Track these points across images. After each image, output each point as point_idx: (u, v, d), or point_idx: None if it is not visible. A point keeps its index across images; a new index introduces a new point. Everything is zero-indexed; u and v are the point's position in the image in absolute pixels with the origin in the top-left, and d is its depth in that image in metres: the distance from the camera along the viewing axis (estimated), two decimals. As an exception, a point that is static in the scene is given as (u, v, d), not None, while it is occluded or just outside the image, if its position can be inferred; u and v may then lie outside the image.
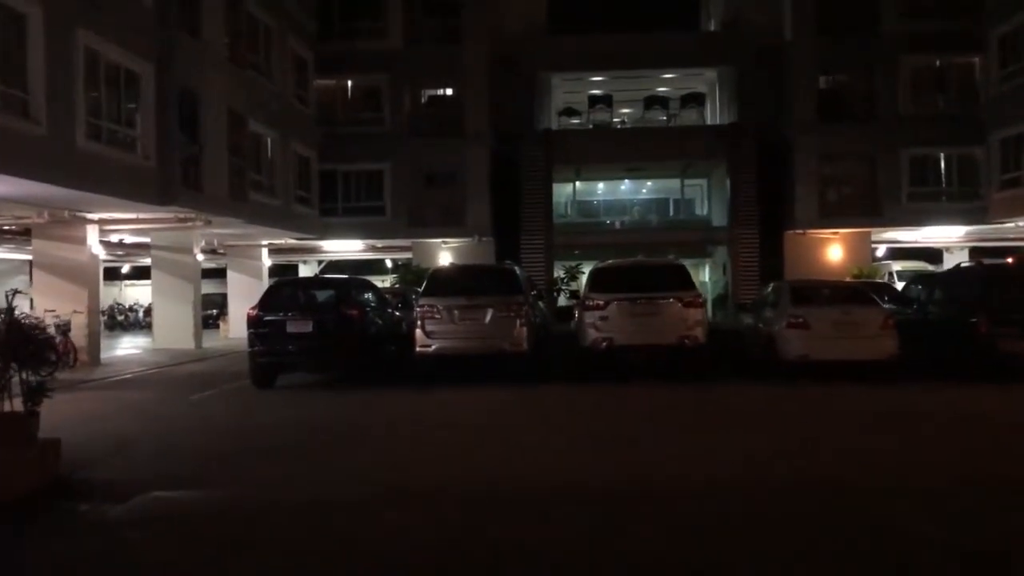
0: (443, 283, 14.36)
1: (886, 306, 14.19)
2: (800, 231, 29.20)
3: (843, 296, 14.62)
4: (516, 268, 15.37)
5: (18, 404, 7.85)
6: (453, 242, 29.71)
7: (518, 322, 13.48)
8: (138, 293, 40.05)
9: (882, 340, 13.24)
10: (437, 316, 13.67)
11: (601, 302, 13.61)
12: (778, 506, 6.55)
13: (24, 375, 7.92)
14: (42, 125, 13.43)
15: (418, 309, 13.94)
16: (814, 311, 13.66)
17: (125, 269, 41.22)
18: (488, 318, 13.54)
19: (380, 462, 8.42)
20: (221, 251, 28.93)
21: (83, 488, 7.71)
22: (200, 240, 24.36)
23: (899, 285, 20.59)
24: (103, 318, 36.53)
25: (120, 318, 37.01)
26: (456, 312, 13.64)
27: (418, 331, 13.81)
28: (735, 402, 12.04)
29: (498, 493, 7.09)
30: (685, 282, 13.94)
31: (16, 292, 8.25)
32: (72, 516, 6.85)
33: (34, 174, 13.28)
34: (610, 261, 14.95)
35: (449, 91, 30.77)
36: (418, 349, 13.83)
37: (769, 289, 16.15)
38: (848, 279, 24.45)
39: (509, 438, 9.50)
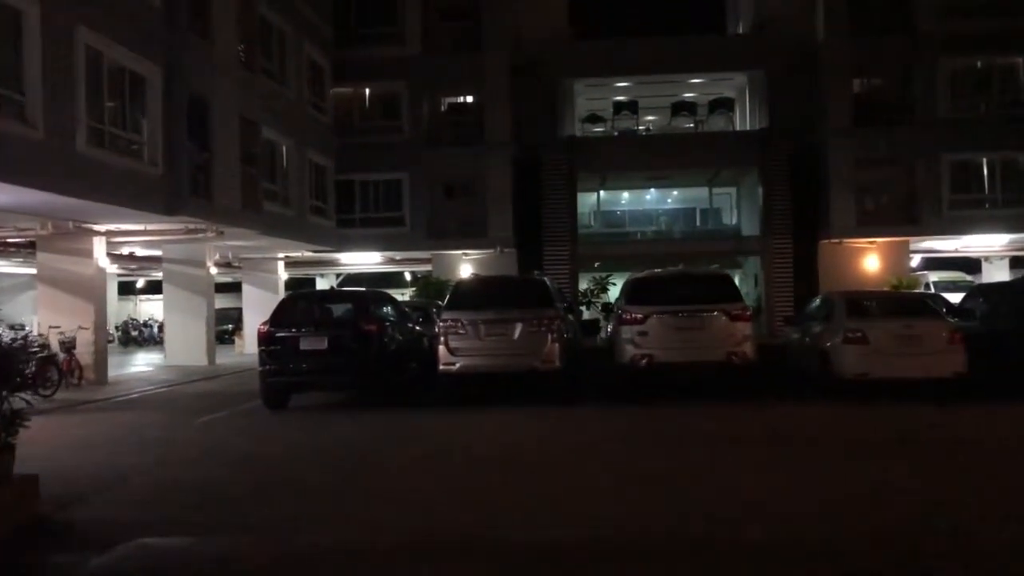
0: (468, 296, 13.33)
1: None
2: (835, 240, 27.99)
3: (902, 308, 13.47)
4: (546, 279, 14.33)
5: None
6: (474, 254, 28.69)
7: (549, 337, 12.42)
8: (153, 308, 39.25)
9: (949, 356, 12.08)
10: (462, 331, 12.64)
11: (640, 315, 12.52)
12: None
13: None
14: (39, 129, 12.55)
15: (441, 324, 12.90)
16: (873, 325, 12.51)
17: (140, 284, 40.55)
18: (517, 333, 12.49)
19: (401, 501, 7.36)
20: (236, 264, 28.08)
21: (63, 532, 6.74)
22: (214, 253, 23.54)
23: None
24: (117, 333, 36.09)
25: (134, 334, 36.23)
26: (482, 327, 12.60)
27: (441, 347, 12.78)
28: (799, 427, 10.78)
29: (538, 545, 6.01)
30: (732, 293, 12.86)
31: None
32: (42, 570, 5.86)
33: (30, 181, 12.39)
34: (649, 271, 13.84)
35: (469, 99, 29.84)
36: (441, 367, 12.79)
37: (818, 301, 15.01)
38: (885, 290, 23.25)
39: (546, 474, 8.41)
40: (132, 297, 42.10)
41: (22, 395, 7.07)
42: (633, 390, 13.10)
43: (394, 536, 6.30)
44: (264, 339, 13.29)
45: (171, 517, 7.01)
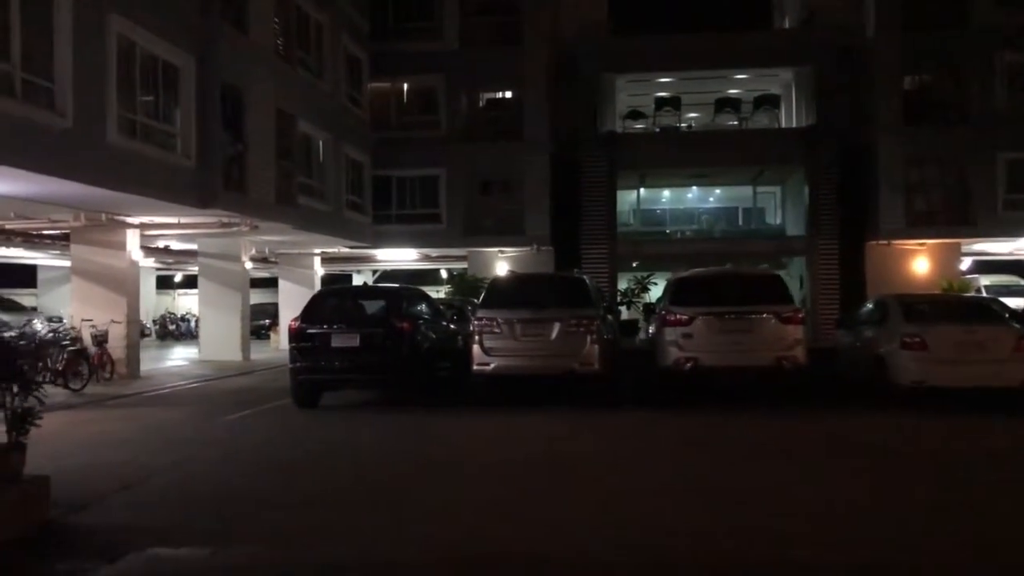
0: (504, 294, 12.82)
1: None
2: (884, 241, 27.07)
3: (963, 312, 12.73)
4: (585, 277, 13.78)
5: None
6: (510, 251, 28.21)
7: (589, 338, 11.88)
8: (190, 302, 39.32)
9: (1018, 364, 11.33)
10: (497, 331, 12.15)
11: (685, 317, 11.94)
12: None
13: (8, 399, 6.58)
14: (68, 118, 12.26)
15: (476, 323, 12.43)
16: (933, 330, 11.79)
17: (178, 278, 40.68)
18: (555, 333, 11.97)
19: (430, 511, 6.88)
20: (272, 259, 27.89)
21: (72, 537, 6.36)
22: (249, 247, 23.32)
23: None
24: (154, 327, 36.20)
25: (171, 328, 36.31)
26: (518, 326, 12.10)
27: (475, 347, 12.30)
28: (860, 440, 10.05)
29: (579, 564, 5.50)
30: (782, 294, 12.22)
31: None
32: (44, 581, 5.48)
33: (58, 171, 12.11)
34: (695, 270, 13.22)
35: (507, 94, 29.34)
36: (475, 367, 12.31)
37: (871, 304, 14.29)
38: (944, 293, 22.35)
39: (589, 484, 7.88)
40: (170, 291, 42.28)
41: (34, 392, 6.64)
42: (676, 395, 12.52)
43: (422, 550, 5.84)
44: (295, 336, 12.92)
45: (187, 524, 6.61)
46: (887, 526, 6.23)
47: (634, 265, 30.45)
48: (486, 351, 12.14)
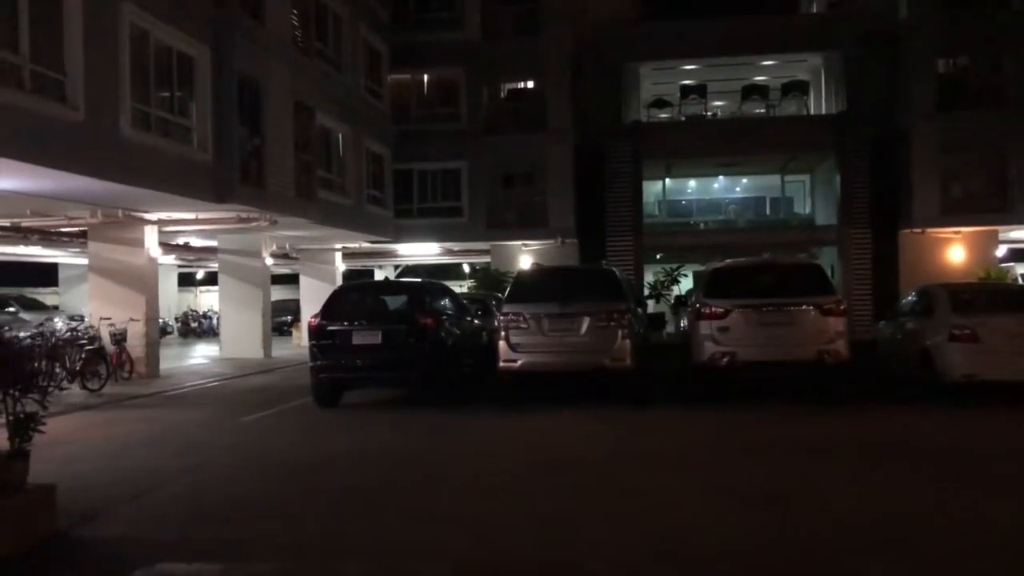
0: (531, 287, 12.32)
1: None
2: (918, 230, 26.27)
3: (1014, 302, 12.08)
4: (615, 269, 13.26)
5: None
6: (534, 244, 27.70)
7: (620, 333, 11.36)
8: (212, 300, 39.19)
9: (1076, 356, 10.70)
10: (524, 326, 11.66)
11: (721, 309, 11.39)
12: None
13: (9, 404, 6.19)
14: (80, 111, 11.89)
15: (502, 318, 11.94)
16: (983, 321, 11.16)
17: (199, 275, 40.55)
18: (584, 329, 11.46)
19: (454, 519, 6.42)
20: (293, 255, 27.56)
21: (77, 551, 5.96)
22: (270, 243, 22.99)
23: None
24: (176, 325, 36.07)
25: (194, 325, 36.14)
26: (546, 321, 11.60)
27: (501, 343, 11.82)
28: (912, 438, 9.49)
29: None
30: (823, 285, 11.63)
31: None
32: (44, 603, 5.08)
33: (71, 166, 11.75)
34: (730, 260, 12.65)
35: (530, 84, 28.80)
36: (501, 364, 11.84)
37: (915, 294, 13.67)
38: (993, 282, 21.61)
39: (621, 488, 7.39)
40: (192, 288, 42.18)
41: (34, 396, 6.25)
42: (712, 391, 11.98)
43: (446, 563, 5.39)
44: (315, 333, 12.51)
45: (198, 536, 6.19)
46: (969, 545, 5.71)
47: (658, 257, 29.89)
48: (513, 347, 11.66)
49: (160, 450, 9.55)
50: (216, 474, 8.25)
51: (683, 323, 14.71)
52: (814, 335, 11.17)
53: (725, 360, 11.31)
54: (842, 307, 11.45)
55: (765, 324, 11.27)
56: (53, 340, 14.52)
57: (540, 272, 13.41)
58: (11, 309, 26.35)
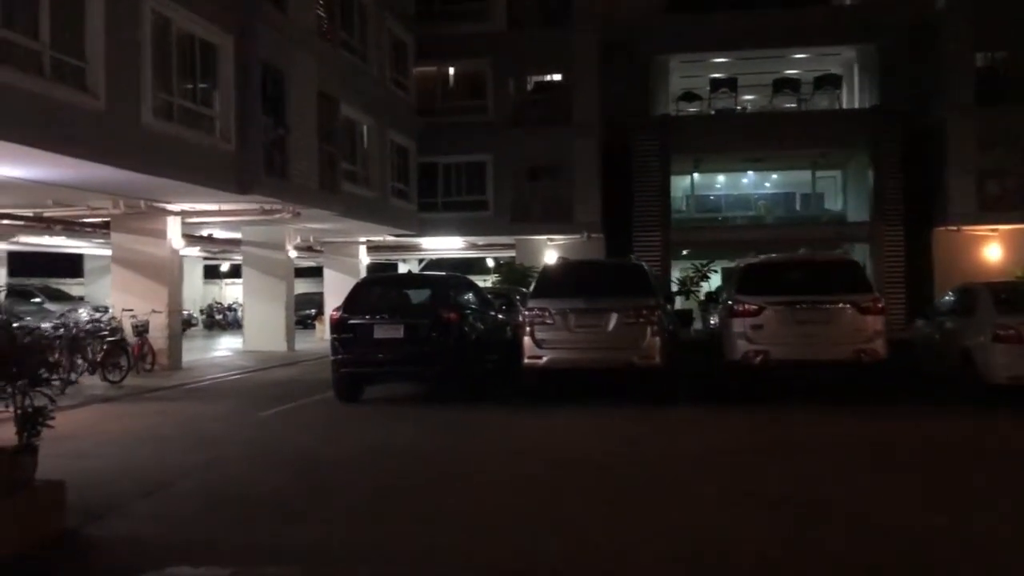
0: (557, 282, 11.99)
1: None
2: (953, 227, 25.63)
3: (1062, 302, 11.59)
4: (644, 264, 12.90)
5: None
6: (559, 239, 27.35)
7: (649, 330, 11.01)
8: (237, 292, 39.20)
9: None
10: (549, 322, 11.34)
11: (754, 307, 11.00)
12: None
13: (17, 398, 5.97)
14: (100, 99, 11.72)
15: (527, 313, 11.63)
16: (1030, 320, 10.69)
17: (224, 267, 40.56)
18: (612, 325, 11.12)
19: (477, 522, 6.13)
20: (318, 248, 27.41)
21: (84, 551, 5.74)
22: (294, 236, 22.83)
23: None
24: (201, 317, 36.08)
25: (218, 317, 36.11)
26: (572, 317, 11.28)
27: (526, 339, 11.51)
28: (960, 443, 9.06)
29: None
30: (860, 282, 11.22)
31: (10, 290, 6.25)
32: (46, 607, 4.85)
33: (90, 154, 11.57)
34: (764, 256, 12.26)
35: (556, 77, 28.46)
36: (526, 360, 11.53)
37: (954, 293, 13.19)
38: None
39: (650, 491, 7.06)
40: (217, 281, 42.22)
41: (44, 391, 6.03)
42: (745, 391, 11.60)
43: (470, 571, 5.09)
44: (336, 326, 12.28)
45: (210, 537, 5.94)
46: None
47: (684, 253, 29.44)
48: (538, 343, 11.35)
49: (176, 445, 9.35)
50: (232, 471, 8.01)
51: (713, 320, 14.29)
52: (851, 334, 10.77)
53: (758, 359, 10.93)
54: (880, 305, 11.03)
55: (800, 322, 10.89)
56: (74, 331, 14.48)
57: (566, 266, 13.08)
58: (36, 300, 26.41)
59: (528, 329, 11.43)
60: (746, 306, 11.07)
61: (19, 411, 5.98)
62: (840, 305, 10.92)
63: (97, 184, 13.66)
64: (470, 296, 13.66)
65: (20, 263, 28.50)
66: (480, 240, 28.96)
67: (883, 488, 7.01)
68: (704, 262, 26.57)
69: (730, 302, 11.42)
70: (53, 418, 6.06)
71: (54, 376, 6.16)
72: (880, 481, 7.27)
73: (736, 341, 11.12)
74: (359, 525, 6.13)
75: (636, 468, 7.89)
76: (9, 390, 5.93)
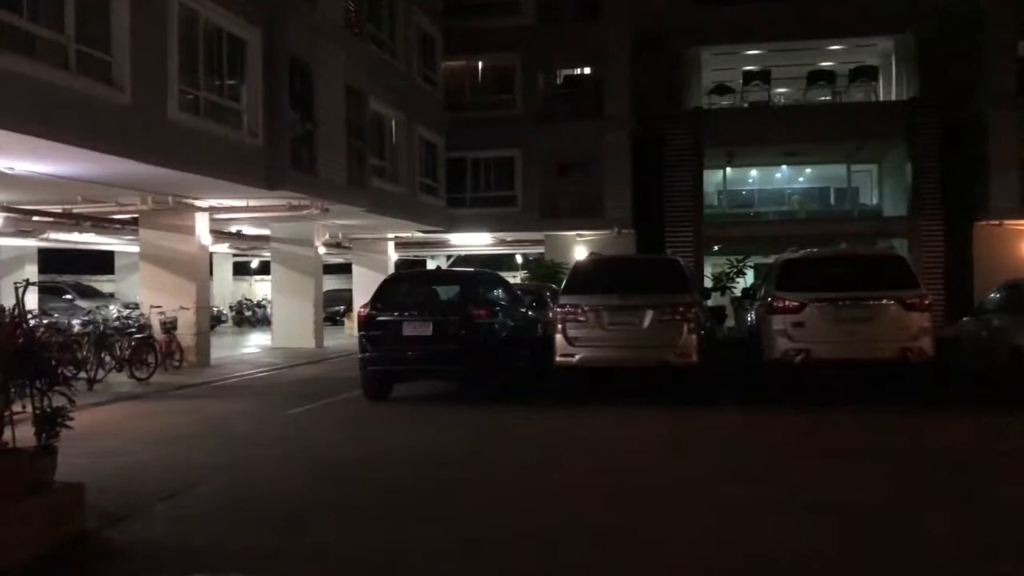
0: (589, 278, 11.67)
1: None
2: (994, 222, 24.91)
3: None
4: (679, 260, 12.54)
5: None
6: (589, 235, 27.01)
7: (686, 327, 10.67)
8: (267, 289, 39.26)
9: None
10: (582, 319, 11.03)
11: (795, 303, 10.61)
12: None
13: (35, 398, 5.78)
14: (126, 93, 11.56)
15: (559, 310, 11.32)
16: (1086, 318, 10.24)
17: (254, 264, 40.62)
18: (647, 322, 10.78)
19: (519, 529, 5.84)
20: (346, 245, 27.29)
21: (102, 556, 5.55)
22: (322, 232, 22.69)
23: None
24: (231, 314, 36.14)
25: (248, 314, 36.13)
26: (606, 314, 10.96)
27: (558, 337, 11.20)
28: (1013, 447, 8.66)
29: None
30: (906, 277, 10.78)
31: (28, 284, 6.06)
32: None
33: (116, 149, 11.42)
34: (805, 250, 11.84)
35: (586, 70, 28.11)
36: (558, 359, 11.22)
37: (1002, 290, 12.70)
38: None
39: (691, 498, 6.73)
40: (246, 277, 42.30)
41: (62, 390, 5.83)
42: (784, 390, 11.20)
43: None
44: (364, 323, 12.07)
45: (233, 541, 5.72)
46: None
47: (715, 249, 28.95)
48: (570, 341, 11.03)
49: (201, 444, 9.16)
50: (257, 471, 7.79)
51: (749, 317, 13.90)
52: (896, 331, 10.36)
53: (799, 357, 10.53)
54: (927, 301, 10.60)
55: (843, 319, 10.48)
56: (101, 328, 14.39)
57: (599, 262, 12.74)
58: (68, 296, 26.54)
59: (560, 326, 11.13)
60: (786, 303, 10.68)
61: (37, 411, 5.79)
62: (885, 301, 10.50)
63: (124, 180, 13.55)
64: (500, 293, 13.40)
65: (52, 260, 28.62)
66: (508, 236, 28.69)
67: (944, 498, 6.64)
68: (739, 258, 26.07)
69: (769, 299, 11.02)
70: (72, 419, 5.86)
71: (79, 374, 5.89)
72: (939, 491, 6.89)
73: (776, 339, 10.74)
74: (388, 532, 5.86)
75: (675, 474, 7.57)
76: (27, 390, 5.75)
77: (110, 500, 6.55)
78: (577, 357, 11.01)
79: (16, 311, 5.62)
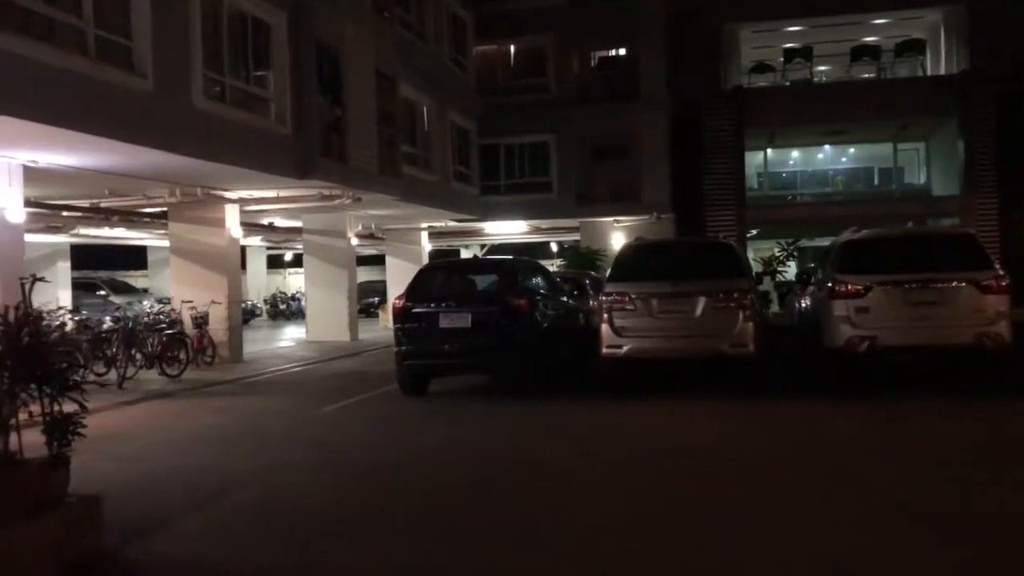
0: (637, 264, 11.00)
1: None
2: (1053, 198, 23.93)
3: None
4: (733, 243, 11.85)
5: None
6: (626, 221, 26.30)
7: (741, 315, 9.99)
8: (301, 281, 38.98)
9: None
10: (630, 308, 10.39)
11: (860, 287, 9.88)
12: None
13: (44, 403, 5.28)
14: (148, 79, 11.09)
15: (604, 298, 10.68)
16: None
17: (288, 256, 40.39)
18: (700, 310, 10.12)
19: (575, 542, 5.25)
20: (379, 235, 26.83)
21: (124, 579, 5.03)
22: (355, 223, 22.23)
23: None
24: (265, 307, 35.91)
25: (282, 307, 35.89)
26: (655, 302, 10.31)
27: (604, 327, 10.57)
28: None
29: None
30: (979, 257, 9.97)
31: (35, 279, 5.56)
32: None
33: (138, 138, 10.95)
34: (868, 230, 11.08)
35: (621, 51, 27.32)
36: (604, 350, 10.60)
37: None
38: None
39: (774, 505, 6.09)
40: (281, 270, 42.11)
41: (74, 396, 5.33)
42: (849, 381, 10.48)
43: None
44: (399, 316, 11.53)
45: (262, 560, 5.19)
46: None
47: (753, 232, 28.11)
48: (617, 332, 10.40)
49: (233, 446, 8.68)
50: (291, 477, 7.27)
51: (803, 303, 13.17)
52: (970, 316, 9.59)
53: (864, 345, 9.80)
54: (1004, 283, 9.79)
55: (912, 303, 9.73)
56: (130, 324, 14.02)
57: (647, 247, 12.04)
58: (102, 292, 26.42)
59: (606, 316, 10.49)
60: (850, 287, 9.95)
61: (47, 417, 5.30)
62: (957, 283, 9.74)
63: (150, 171, 13.11)
64: (540, 281, 12.79)
65: (85, 256, 28.53)
66: (543, 224, 28.07)
67: (1042, 498, 5.95)
68: (789, 241, 25.21)
69: (830, 283, 10.28)
70: (85, 426, 5.36)
71: (109, 371, 5.38)
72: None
73: (838, 326, 10.01)
74: (429, 545, 5.31)
75: (742, 475, 6.92)
76: (36, 394, 5.26)
77: (132, 512, 6.09)
78: (625, 348, 10.38)
79: (20, 309, 5.12)
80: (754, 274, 15.67)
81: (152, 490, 6.86)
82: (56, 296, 20.91)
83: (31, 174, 12.30)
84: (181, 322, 15.51)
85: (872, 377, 10.81)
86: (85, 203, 16.46)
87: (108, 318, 15.26)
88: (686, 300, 10.17)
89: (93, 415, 10.53)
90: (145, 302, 22.63)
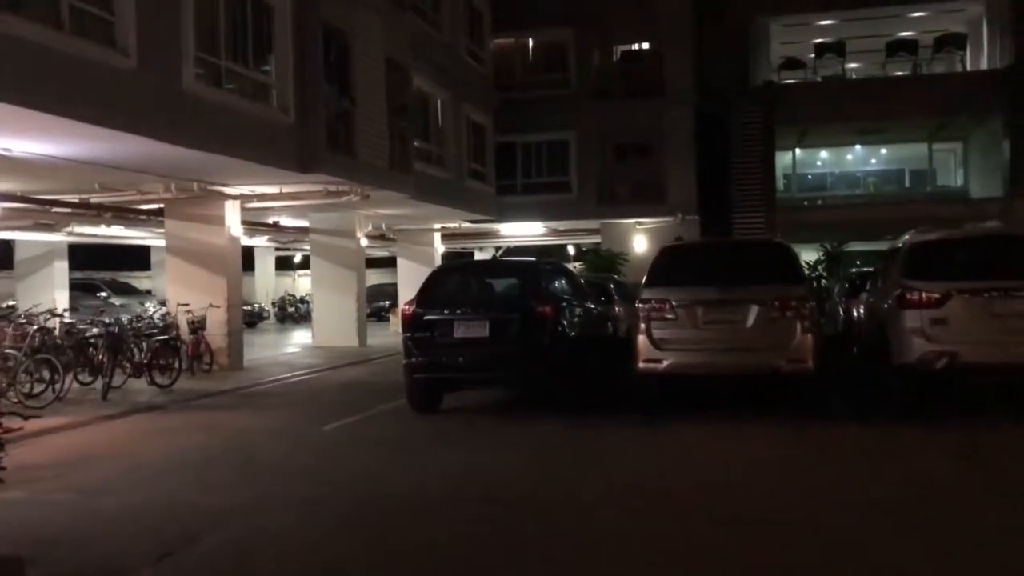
0: (678, 268, 9.76)
1: None
2: (1104, 201, 22.56)
3: None
4: (788, 245, 10.59)
5: None
6: (649, 222, 25.12)
7: (799, 326, 8.75)
8: (310, 284, 37.94)
9: None
10: (670, 317, 9.17)
11: (936, 295, 8.62)
12: None
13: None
14: (131, 57, 9.94)
15: (641, 306, 9.44)
16: None
17: (297, 258, 39.35)
18: (752, 320, 8.89)
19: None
20: (390, 236, 25.69)
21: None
22: (365, 223, 21.08)
23: None
24: (274, 310, 34.84)
25: (290, 310, 34.82)
26: (700, 311, 9.08)
27: (641, 338, 9.34)
28: None
29: None
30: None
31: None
32: None
33: (120, 123, 9.81)
34: (940, 232, 9.81)
35: (644, 45, 26.14)
36: (642, 364, 9.36)
37: None
38: None
39: (862, 567, 4.87)
40: (289, 272, 41.05)
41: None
42: (924, 402, 9.22)
43: None
44: (409, 323, 10.32)
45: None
46: None
47: (777, 237, 26.81)
48: (656, 344, 9.16)
49: (214, 476, 7.51)
50: (275, 519, 6.07)
51: (859, 311, 11.91)
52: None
53: (942, 361, 8.52)
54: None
55: (997, 314, 8.45)
56: (116, 329, 12.89)
57: (689, 248, 10.84)
58: (102, 294, 25.37)
59: (643, 326, 9.26)
60: (924, 295, 8.68)
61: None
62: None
63: (139, 162, 11.97)
64: (565, 285, 11.58)
65: (87, 256, 27.50)
66: (561, 225, 26.89)
67: None
68: (834, 244, 23.89)
69: (899, 290, 9.01)
70: (4, 469, 4.19)
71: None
72: None
73: (910, 339, 8.72)
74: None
75: (816, 516, 5.69)
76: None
77: (83, 564, 4.94)
78: (665, 363, 9.14)
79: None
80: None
81: (106, 536, 5.68)
82: (53, 297, 19.88)
83: (10, 165, 11.22)
84: (176, 327, 14.40)
85: (945, 397, 9.55)
86: (73, 198, 15.34)
87: (99, 321, 14.15)
88: (735, 309, 8.94)
89: (68, 430, 9.41)
90: (147, 304, 21.64)
